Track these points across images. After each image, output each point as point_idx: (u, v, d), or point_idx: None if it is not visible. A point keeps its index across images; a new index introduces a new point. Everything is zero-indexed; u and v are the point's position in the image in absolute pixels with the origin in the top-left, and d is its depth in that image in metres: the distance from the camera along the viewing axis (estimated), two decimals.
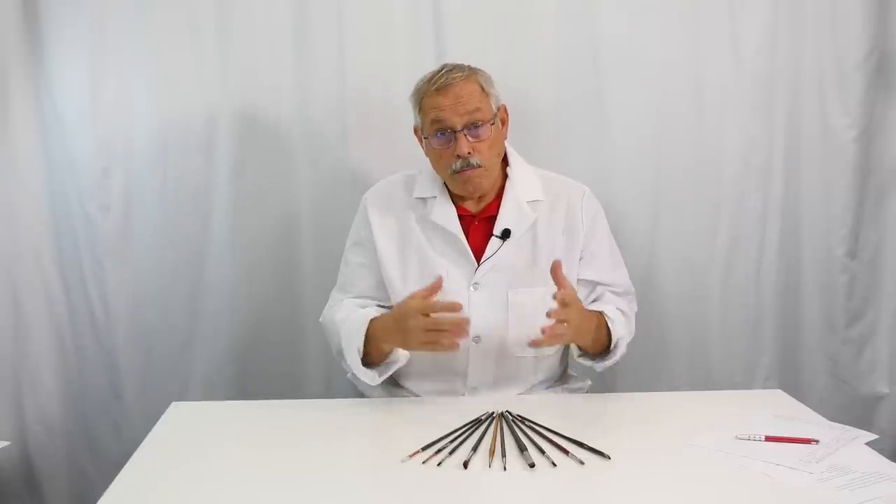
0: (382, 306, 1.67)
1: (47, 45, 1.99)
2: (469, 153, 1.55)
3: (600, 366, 1.63)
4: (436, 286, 1.44)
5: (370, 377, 1.55)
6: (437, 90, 1.57)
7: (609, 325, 1.58)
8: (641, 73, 2.07)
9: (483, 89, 1.60)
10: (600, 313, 1.59)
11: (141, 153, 2.05)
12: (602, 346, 1.60)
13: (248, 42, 2.03)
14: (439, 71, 1.61)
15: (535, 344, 1.42)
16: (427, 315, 1.43)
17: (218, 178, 2.07)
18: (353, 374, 1.64)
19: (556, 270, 1.43)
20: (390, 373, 1.58)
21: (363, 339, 1.52)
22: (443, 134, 1.57)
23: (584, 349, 1.61)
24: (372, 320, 1.54)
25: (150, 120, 2.04)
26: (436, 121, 1.57)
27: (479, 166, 1.57)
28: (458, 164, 1.57)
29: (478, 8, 2.04)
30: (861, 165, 2.13)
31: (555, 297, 1.41)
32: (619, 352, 1.61)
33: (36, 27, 1.98)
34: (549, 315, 1.39)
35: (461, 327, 1.43)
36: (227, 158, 2.06)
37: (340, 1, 2.03)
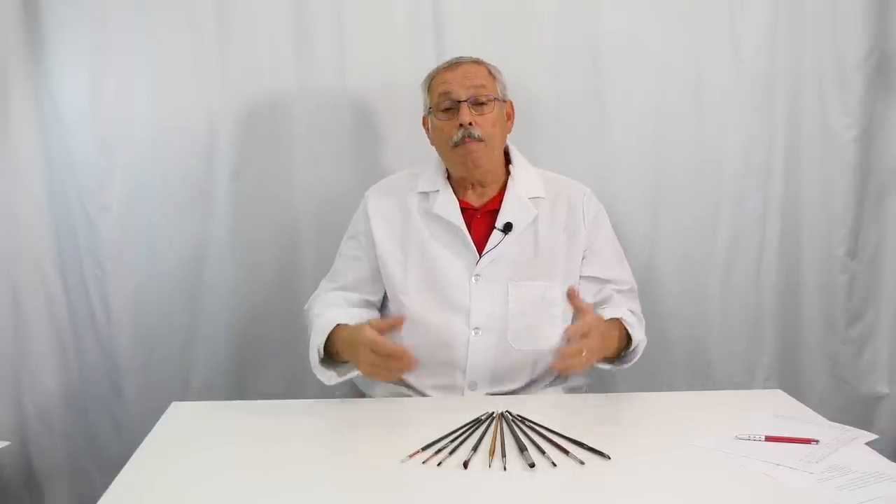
0: (368, 301, 1.71)
1: (47, 45, 1.99)
2: (471, 123, 1.60)
3: (619, 370, 1.66)
4: (396, 322, 1.49)
5: (327, 377, 1.57)
6: (447, 68, 1.67)
7: (629, 330, 1.60)
8: (641, 73, 2.07)
9: (491, 73, 1.68)
10: (619, 319, 1.60)
11: (141, 153, 2.05)
12: (618, 351, 1.61)
13: (248, 42, 2.03)
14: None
15: (555, 367, 1.45)
16: (376, 351, 1.45)
17: (218, 178, 2.07)
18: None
19: (573, 297, 1.50)
20: (348, 377, 1.59)
21: (324, 341, 1.55)
22: (448, 109, 1.63)
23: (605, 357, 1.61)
24: (339, 326, 1.55)
25: (150, 120, 2.04)
26: (443, 93, 1.64)
27: (481, 140, 1.60)
28: (459, 135, 1.61)
29: (478, 8, 2.04)
30: (861, 165, 2.13)
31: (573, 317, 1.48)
32: (638, 355, 1.64)
33: (36, 27, 1.98)
34: (567, 338, 1.44)
35: (406, 365, 1.45)
36: (228, 158, 2.06)
37: (340, 2, 2.03)
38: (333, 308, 1.64)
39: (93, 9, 1.98)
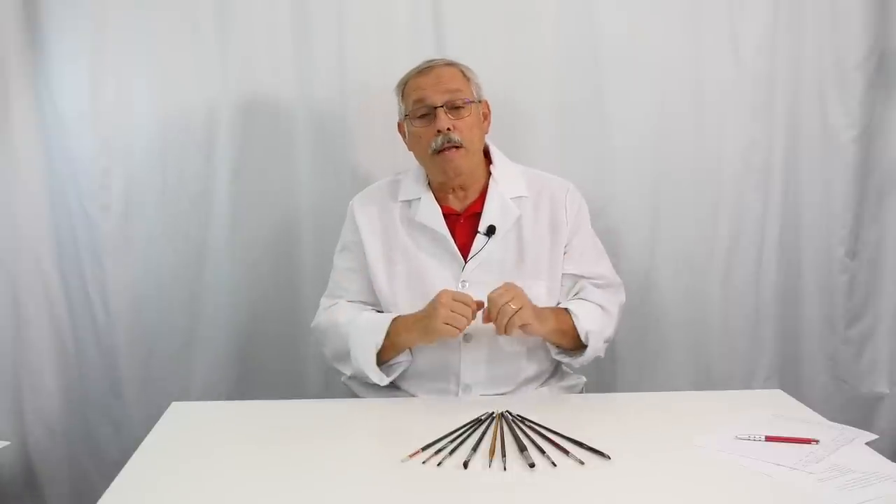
0: (376, 311, 1.69)
1: (47, 45, 1.99)
2: (449, 129, 1.59)
3: (578, 362, 1.64)
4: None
5: (379, 377, 1.57)
6: (420, 73, 1.65)
7: (574, 321, 1.59)
8: (641, 73, 2.07)
9: (464, 75, 1.67)
10: (564, 310, 1.61)
11: (141, 153, 2.05)
12: (576, 341, 1.61)
13: (247, 42, 2.03)
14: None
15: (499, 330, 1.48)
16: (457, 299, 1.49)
17: (218, 177, 2.07)
18: (349, 377, 1.65)
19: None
20: (398, 373, 1.60)
21: (384, 336, 1.55)
22: (425, 115, 1.62)
23: (552, 341, 1.62)
24: (395, 319, 1.57)
25: (150, 120, 2.04)
26: (418, 100, 1.63)
27: (461, 145, 1.60)
28: (438, 142, 1.60)
29: (478, 8, 2.04)
30: (861, 165, 2.13)
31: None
32: (593, 345, 1.61)
33: (36, 27, 1.98)
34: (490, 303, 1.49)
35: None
36: (228, 158, 2.06)
37: (340, 2, 2.03)
38: (363, 312, 1.65)
39: (93, 9, 1.98)
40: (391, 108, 2.02)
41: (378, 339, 1.55)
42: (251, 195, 2.08)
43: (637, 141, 2.10)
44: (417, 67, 1.67)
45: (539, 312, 1.55)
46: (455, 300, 1.49)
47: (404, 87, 1.68)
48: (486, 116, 1.70)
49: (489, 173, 1.69)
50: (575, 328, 1.59)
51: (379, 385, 1.61)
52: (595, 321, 1.62)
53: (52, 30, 1.99)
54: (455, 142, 1.59)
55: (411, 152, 1.70)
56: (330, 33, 2.04)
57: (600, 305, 1.66)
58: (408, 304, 1.63)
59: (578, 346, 1.62)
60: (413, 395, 1.66)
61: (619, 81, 2.07)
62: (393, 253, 1.67)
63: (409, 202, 1.69)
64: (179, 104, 2.04)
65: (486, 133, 1.71)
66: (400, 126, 1.72)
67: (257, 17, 2.02)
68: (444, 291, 1.51)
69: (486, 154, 1.73)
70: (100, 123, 2.03)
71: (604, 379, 2.11)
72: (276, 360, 2.14)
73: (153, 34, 2.01)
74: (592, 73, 2.08)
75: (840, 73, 2.09)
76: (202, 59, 2.03)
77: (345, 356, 1.62)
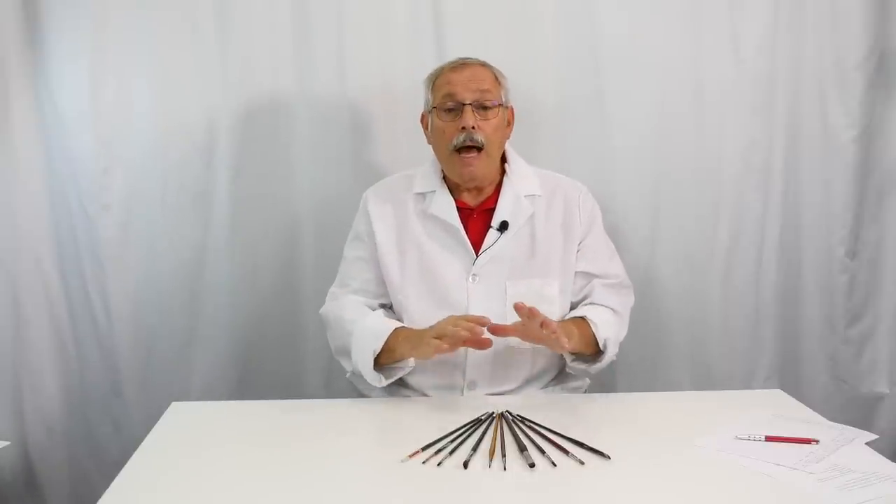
0: (383, 305, 1.69)
1: (47, 45, 1.99)
2: (473, 127, 1.59)
3: (594, 369, 1.65)
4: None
5: (377, 380, 1.57)
6: (453, 68, 1.66)
7: (593, 329, 1.59)
8: (641, 73, 2.07)
9: (496, 78, 1.67)
10: (583, 318, 1.60)
11: (141, 153, 2.05)
12: (593, 348, 1.61)
13: (248, 42, 2.03)
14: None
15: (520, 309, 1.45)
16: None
17: (218, 178, 2.07)
18: (353, 374, 1.65)
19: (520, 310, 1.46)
20: (395, 378, 1.59)
21: (382, 343, 1.54)
22: (451, 110, 1.62)
23: (574, 352, 1.61)
24: (396, 329, 1.56)
25: (150, 120, 2.04)
26: (447, 94, 1.63)
27: (481, 148, 1.60)
28: (460, 139, 1.60)
29: (478, 8, 2.04)
30: (861, 165, 2.13)
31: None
32: (610, 352, 1.62)
33: (36, 27, 1.98)
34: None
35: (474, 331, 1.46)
36: (228, 158, 2.06)
37: (340, 2, 2.03)
38: (370, 312, 1.64)
39: (93, 9, 1.98)
40: (392, 109, 2.03)
41: (377, 346, 1.55)
42: (251, 195, 2.08)
43: (637, 141, 2.10)
44: (451, 63, 1.68)
45: (565, 327, 1.52)
46: (459, 320, 1.48)
47: (435, 80, 1.67)
48: (510, 123, 1.70)
49: (503, 171, 1.70)
50: (593, 335, 1.59)
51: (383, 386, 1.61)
52: (611, 327, 1.62)
53: (52, 30, 1.99)
54: (477, 142, 1.60)
55: (430, 145, 1.70)
56: (330, 33, 2.04)
57: (613, 309, 1.66)
58: (417, 294, 1.64)
59: (595, 352, 1.62)
60: (418, 392, 1.67)
61: (619, 81, 2.08)
62: (405, 244, 1.67)
63: (423, 195, 1.69)
64: (179, 104, 2.04)
65: (508, 139, 1.71)
66: (423, 117, 1.72)
67: (257, 17, 2.02)
68: (451, 317, 1.50)
69: (502, 153, 1.72)
70: (100, 123, 2.02)
71: (604, 379, 2.11)
72: (276, 360, 2.14)
73: (153, 34, 2.01)
74: (592, 73, 2.08)
75: (840, 73, 2.09)
76: (202, 60, 2.03)
77: (346, 353, 1.62)
